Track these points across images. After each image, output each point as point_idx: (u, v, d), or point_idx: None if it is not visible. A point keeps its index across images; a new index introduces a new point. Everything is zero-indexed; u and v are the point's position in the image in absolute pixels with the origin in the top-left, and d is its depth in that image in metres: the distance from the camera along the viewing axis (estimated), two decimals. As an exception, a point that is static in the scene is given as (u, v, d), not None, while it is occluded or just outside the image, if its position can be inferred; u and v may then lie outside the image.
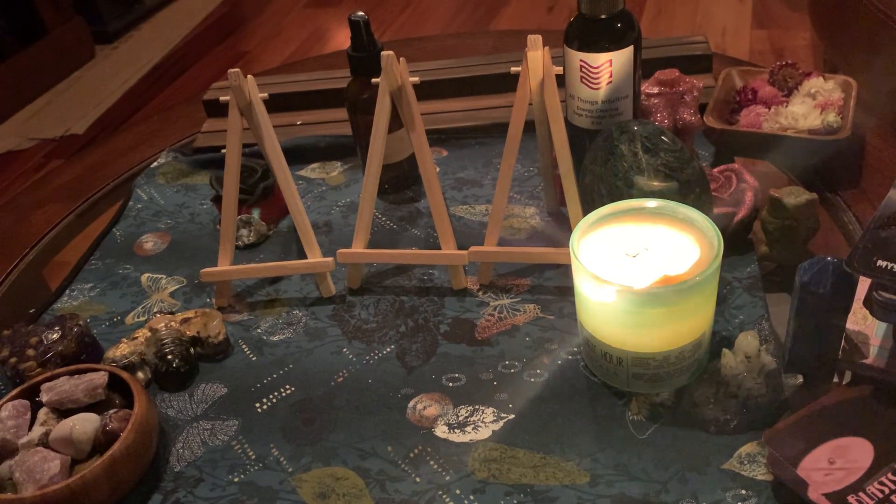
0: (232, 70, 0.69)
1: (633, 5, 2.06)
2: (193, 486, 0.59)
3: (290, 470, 0.59)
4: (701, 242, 0.58)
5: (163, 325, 0.69)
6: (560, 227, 0.78)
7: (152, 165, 0.96)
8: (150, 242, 0.85)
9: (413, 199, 0.86)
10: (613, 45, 0.68)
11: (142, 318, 0.75)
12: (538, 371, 0.64)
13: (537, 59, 0.66)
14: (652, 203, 0.61)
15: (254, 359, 0.69)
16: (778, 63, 0.86)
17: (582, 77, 0.70)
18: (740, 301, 0.67)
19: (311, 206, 0.87)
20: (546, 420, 0.60)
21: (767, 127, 0.80)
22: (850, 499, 0.48)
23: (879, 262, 0.51)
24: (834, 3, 1.31)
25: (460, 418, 0.61)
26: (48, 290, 0.82)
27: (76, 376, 0.62)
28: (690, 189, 0.65)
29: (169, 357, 0.66)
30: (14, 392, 0.61)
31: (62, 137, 2.33)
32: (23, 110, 2.51)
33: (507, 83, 0.70)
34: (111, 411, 0.59)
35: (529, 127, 0.70)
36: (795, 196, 0.66)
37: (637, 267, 0.57)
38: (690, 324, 0.57)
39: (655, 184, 0.64)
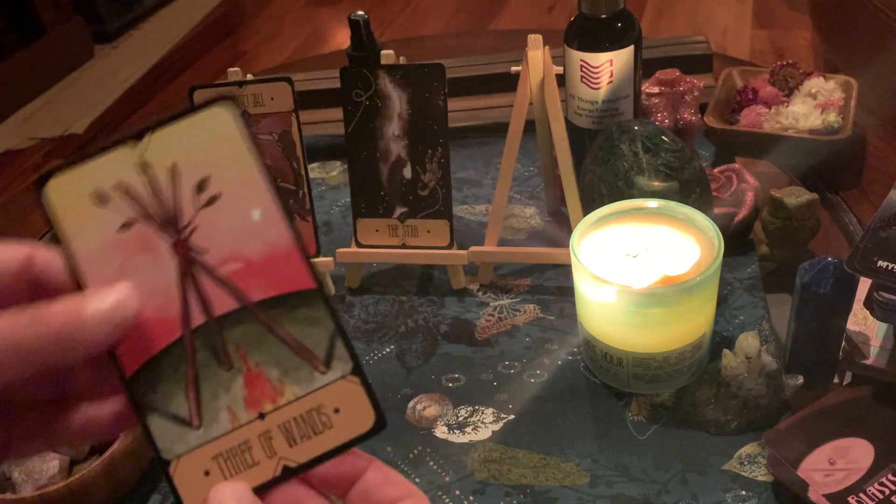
0: (232, 69, 0.69)
1: (633, 5, 2.05)
2: (192, 487, 0.58)
3: (290, 470, 0.59)
4: (701, 243, 0.58)
5: (162, 324, 0.68)
6: (560, 227, 0.78)
7: (152, 165, 0.96)
8: (149, 242, 0.85)
9: (413, 198, 0.86)
10: (614, 44, 0.68)
11: (141, 318, 0.75)
12: (538, 371, 0.64)
13: (537, 58, 0.66)
14: (652, 203, 0.61)
15: (253, 359, 0.69)
16: (779, 63, 0.86)
17: (582, 77, 0.70)
18: (741, 301, 0.66)
19: (310, 205, 0.87)
20: (546, 421, 0.60)
21: (768, 127, 0.80)
22: (851, 500, 0.48)
23: (880, 263, 0.51)
24: (834, 2, 1.31)
25: (460, 419, 0.61)
26: (47, 289, 0.82)
27: (75, 376, 0.61)
28: (691, 189, 0.64)
29: (168, 357, 0.66)
30: (13, 392, 0.61)
31: (61, 137, 2.33)
32: (22, 110, 2.51)
33: (507, 83, 0.70)
34: (110, 411, 0.59)
35: (529, 127, 0.70)
36: (796, 196, 0.66)
37: (637, 267, 0.57)
38: (691, 324, 0.57)
39: (656, 184, 0.64)
